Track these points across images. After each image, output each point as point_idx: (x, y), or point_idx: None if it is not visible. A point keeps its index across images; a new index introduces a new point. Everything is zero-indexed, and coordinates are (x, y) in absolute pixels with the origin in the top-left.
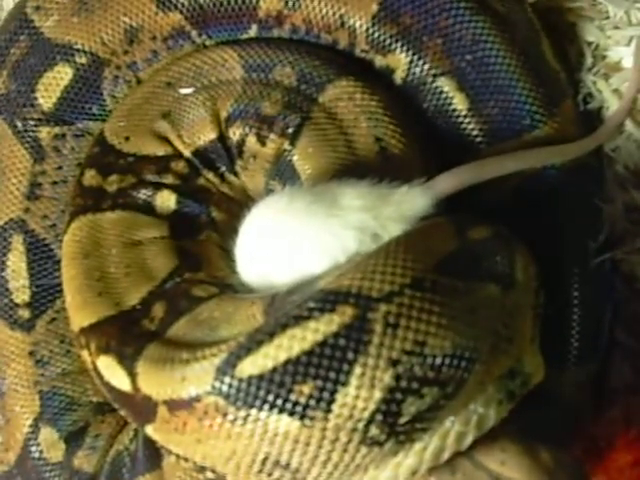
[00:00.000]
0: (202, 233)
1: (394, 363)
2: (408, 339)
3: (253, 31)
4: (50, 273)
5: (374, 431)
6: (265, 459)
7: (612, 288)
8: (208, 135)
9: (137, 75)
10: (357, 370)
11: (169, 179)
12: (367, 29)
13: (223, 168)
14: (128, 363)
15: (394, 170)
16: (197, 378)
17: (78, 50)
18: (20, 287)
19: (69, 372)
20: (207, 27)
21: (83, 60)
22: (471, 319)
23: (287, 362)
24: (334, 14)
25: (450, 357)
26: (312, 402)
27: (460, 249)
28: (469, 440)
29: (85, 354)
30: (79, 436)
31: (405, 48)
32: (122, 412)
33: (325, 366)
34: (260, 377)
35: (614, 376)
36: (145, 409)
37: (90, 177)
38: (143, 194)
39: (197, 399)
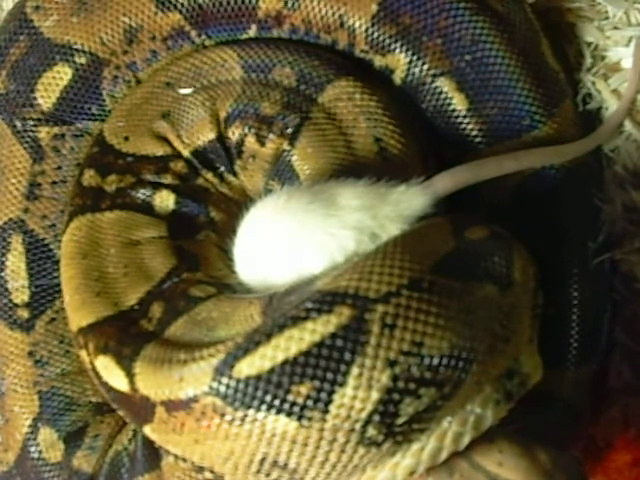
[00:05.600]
0: (200, 233)
1: (391, 364)
2: (405, 340)
3: (252, 31)
4: (49, 273)
5: (372, 432)
6: (263, 459)
7: (611, 288)
8: (207, 135)
9: (136, 75)
10: (354, 371)
11: (168, 179)
12: (366, 29)
13: (222, 168)
14: (126, 363)
15: (393, 170)
16: (195, 379)
17: (77, 50)
18: (19, 287)
19: (68, 372)
20: (206, 27)
21: (82, 60)
22: (468, 319)
23: (284, 363)
24: (333, 14)
25: (447, 357)
26: (310, 403)
27: (458, 249)
28: (466, 441)
29: (83, 354)
30: (78, 436)
31: (404, 48)
32: (120, 412)
33: (322, 367)
34: (258, 378)
35: (613, 376)
36: (143, 409)
37: (89, 177)
38: (142, 194)
39: (195, 399)
